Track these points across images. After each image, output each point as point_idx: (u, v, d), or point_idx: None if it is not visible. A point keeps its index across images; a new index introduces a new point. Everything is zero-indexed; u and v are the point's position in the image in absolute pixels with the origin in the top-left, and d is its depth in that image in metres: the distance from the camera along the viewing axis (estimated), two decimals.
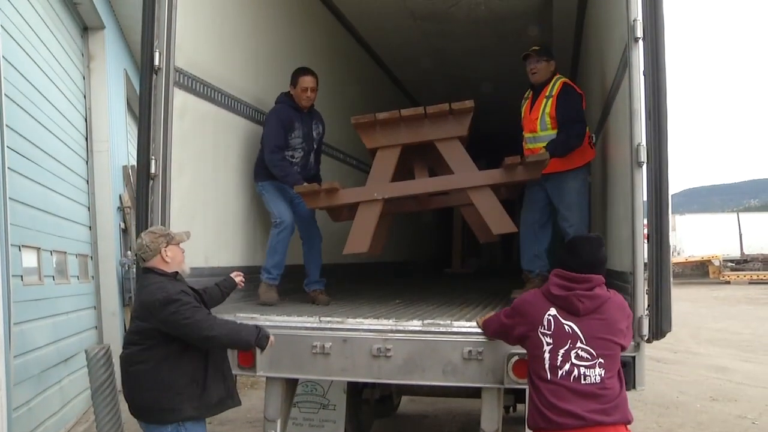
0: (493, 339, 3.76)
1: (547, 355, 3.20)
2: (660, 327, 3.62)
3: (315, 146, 5.57)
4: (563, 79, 5.28)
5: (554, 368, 3.18)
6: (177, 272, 3.78)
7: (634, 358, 3.69)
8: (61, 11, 7.71)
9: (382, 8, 7.03)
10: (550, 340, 3.21)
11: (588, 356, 3.17)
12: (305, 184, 5.10)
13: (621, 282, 4.10)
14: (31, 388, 6.13)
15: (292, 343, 4.11)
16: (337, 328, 4.11)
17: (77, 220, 8.08)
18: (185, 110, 4.44)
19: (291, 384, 4.41)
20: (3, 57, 5.47)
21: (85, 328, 8.07)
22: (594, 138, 5.48)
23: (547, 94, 5.21)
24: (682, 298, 22.36)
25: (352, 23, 7.45)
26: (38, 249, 6.55)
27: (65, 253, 7.44)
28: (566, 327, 3.21)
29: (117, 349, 8.99)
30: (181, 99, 4.38)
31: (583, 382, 3.15)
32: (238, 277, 4.26)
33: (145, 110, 4.17)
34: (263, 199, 5.32)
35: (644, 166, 3.63)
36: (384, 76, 9.21)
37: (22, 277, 6.07)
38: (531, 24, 7.07)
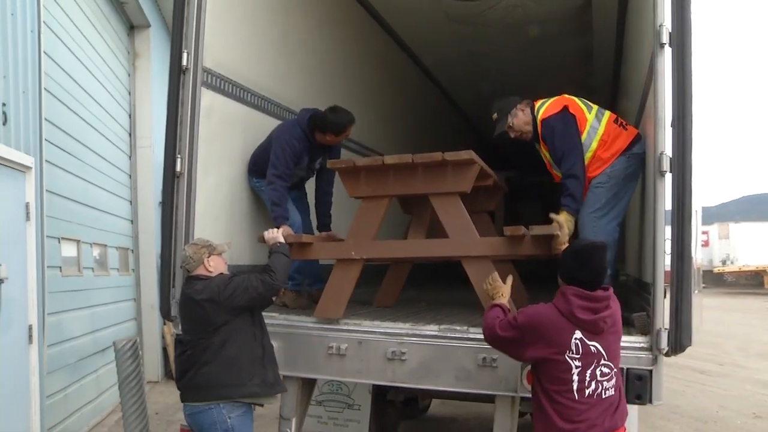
0: (498, 346, 3.45)
1: (575, 377, 3.19)
2: (679, 341, 3.52)
3: (313, 174, 5.19)
4: (540, 116, 4.60)
5: (582, 389, 3.19)
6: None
7: (651, 371, 3.58)
8: (107, 10, 7.94)
9: (418, 11, 6.97)
10: (579, 363, 3.19)
11: (608, 370, 3.24)
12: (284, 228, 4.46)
13: (645, 293, 4.01)
14: (66, 376, 6.32)
15: (309, 344, 4.16)
16: (354, 330, 4.12)
17: (119, 214, 8.29)
18: (212, 110, 4.49)
19: (308, 383, 4.44)
20: (45, 52, 5.66)
21: (123, 319, 8.29)
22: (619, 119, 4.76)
23: (540, 139, 4.66)
24: (735, 308, 21.71)
25: (386, 21, 7.27)
26: (78, 241, 6.75)
27: (105, 246, 7.65)
28: (592, 348, 3.20)
29: (153, 342, 9.26)
30: (208, 99, 4.43)
31: (604, 396, 3.22)
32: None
33: (172, 109, 4.23)
34: (264, 197, 4.96)
35: (667, 176, 3.53)
36: (422, 76, 9.12)
37: (60, 268, 6.27)
38: (570, 27, 6.93)
